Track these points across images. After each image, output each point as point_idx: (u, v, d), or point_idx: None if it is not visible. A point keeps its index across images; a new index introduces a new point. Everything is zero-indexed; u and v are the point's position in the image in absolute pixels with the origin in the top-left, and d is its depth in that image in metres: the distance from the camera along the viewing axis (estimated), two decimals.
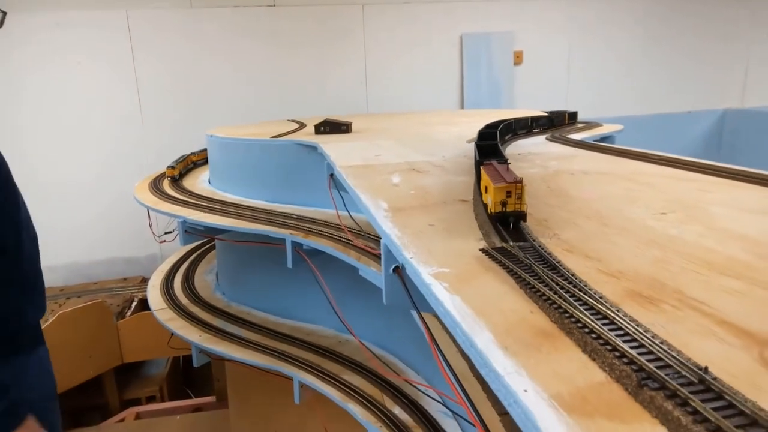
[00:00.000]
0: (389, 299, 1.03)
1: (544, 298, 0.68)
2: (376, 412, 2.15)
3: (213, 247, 3.85)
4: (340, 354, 2.55)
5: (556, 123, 2.95)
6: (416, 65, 5.18)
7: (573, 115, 3.30)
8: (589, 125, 3.19)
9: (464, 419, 1.54)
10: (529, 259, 0.78)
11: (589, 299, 0.65)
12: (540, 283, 0.71)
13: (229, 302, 3.13)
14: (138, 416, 3.97)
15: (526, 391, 0.50)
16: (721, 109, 6.02)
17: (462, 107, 5.30)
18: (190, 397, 4.36)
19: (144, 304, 4.40)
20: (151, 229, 3.26)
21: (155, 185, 3.33)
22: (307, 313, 2.85)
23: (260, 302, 3.01)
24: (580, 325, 0.60)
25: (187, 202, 2.82)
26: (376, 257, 1.95)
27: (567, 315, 0.62)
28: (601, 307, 0.63)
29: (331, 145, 2.38)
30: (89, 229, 4.83)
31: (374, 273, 1.90)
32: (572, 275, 0.73)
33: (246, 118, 4.70)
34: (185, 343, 2.88)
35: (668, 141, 5.67)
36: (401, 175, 1.55)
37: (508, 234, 0.89)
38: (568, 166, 1.56)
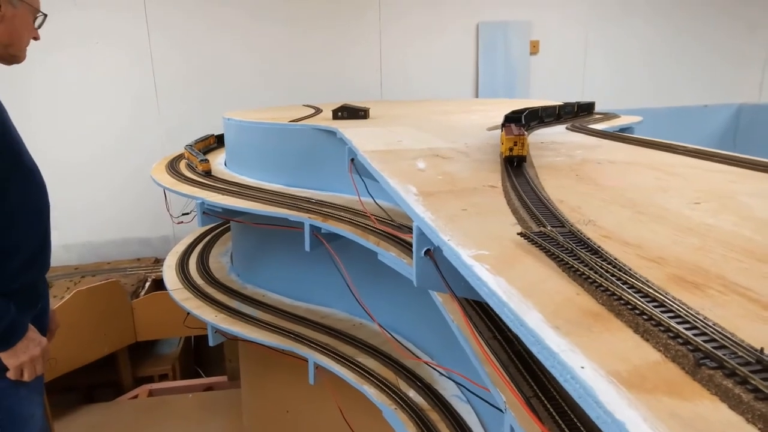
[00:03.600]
0: (420, 281, 1.04)
1: (590, 280, 0.69)
2: (391, 394, 2.18)
3: (227, 230, 3.88)
4: (355, 337, 2.58)
5: (578, 113, 2.95)
6: (431, 52, 5.16)
7: (591, 106, 3.29)
8: (607, 116, 3.18)
9: (487, 402, 1.56)
10: (569, 243, 0.79)
11: (636, 282, 0.66)
12: (584, 266, 0.72)
13: (244, 284, 3.16)
14: (151, 393, 4.03)
15: (583, 367, 0.52)
16: (737, 103, 5.97)
17: (476, 96, 5.28)
18: (202, 377, 4.42)
19: (158, 285, 4.44)
20: (168, 210, 3.28)
21: (172, 167, 3.35)
22: (322, 296, 2.88)
23: (275, 285, 3.04)
24: (630, 306, 0.61)
25: (205, 184, 2.84)
26: (399, 242, 1.96)
27: (615, 297, 0.64)
28: (648, 289, 0.64)
29: (350, 130, 2.39)
30: (103, 209, 4.87)
31: (394, 258, 1.91)
32: (615, 259, 0.74)
33: (259, 101, 4.71)
34: (200, 323, 2.91)
35: (684, 134, 5.61)
36: (426, 160, 1.56)
37: (545, 218, 0.90)
38: (594, 156, 1.57)
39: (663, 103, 5.74)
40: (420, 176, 1.35)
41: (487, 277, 0.70)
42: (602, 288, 0.66)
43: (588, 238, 0.82)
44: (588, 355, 0.54)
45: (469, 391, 1.81)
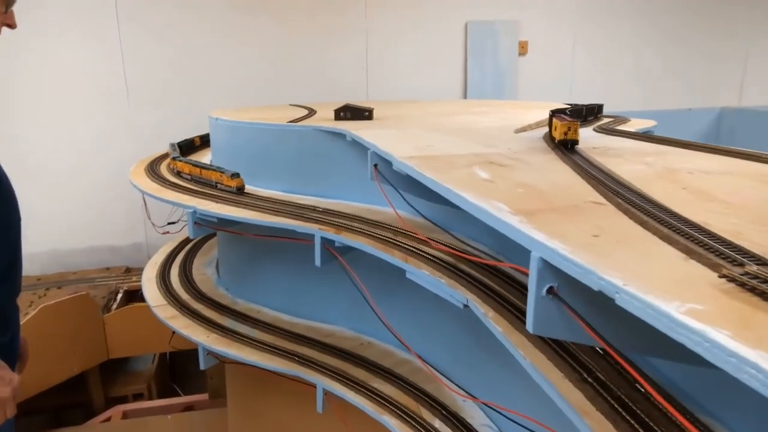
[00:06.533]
0: (539, 326, 0.84)
1: None
2: (415, 425, 1.98)
3: (209, 237, 3.60)
4: (366, 358, 2.37)
5: (596, 114, 2.82)
6: (419, 51, 4.97)
7: (601, 108, 3.17)
8: (618, 119, 3.05)
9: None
10: None
11: None
12: None
13: (234, 299, 2.90)
14: (125, 415, 3.71)
15: None
16: (718, 107, 6.00)
17: (465, 97, 5.12)
18: (180, 395, 4.12)
19: (130, 296, 4.12)
20: (149, 218, 2.99)
21: (153, 170, 3.06)
22: (325, 312, 2.65)
23: (271, 299, 2.80)
24: None
25: (196, 191, 2.57)
26: (431, 258, 1.76)
27: None
28: None
29: (365, 133, 2.17)
30: (68, 215, 4.50)
31: (427, 276, 1.71)
32: None
33: (238, 100, 4.43)
34: (181, 339, 2.65)
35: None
36: (483, 169, 1.36)
37: (725, 250, 0.71)
38: (671, 164, 1.39)
39: (648, 106, 5.71)
40: (494, 189, 1.15)
41: (737, 348, 0.50)
42: None
43: None
44: None
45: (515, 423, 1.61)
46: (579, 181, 1.21)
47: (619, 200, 1.00)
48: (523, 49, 5.18)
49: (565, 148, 1.66)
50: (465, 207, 1.05)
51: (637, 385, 1.15)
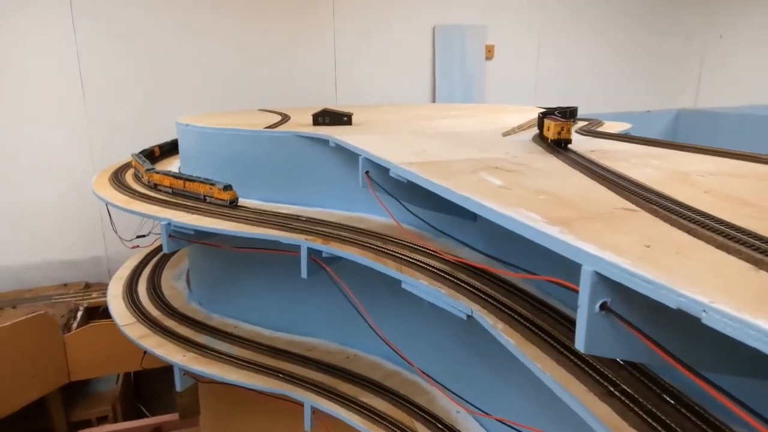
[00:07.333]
0: (592, 345, 0.78)
1: None
2: None
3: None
4: (353, 372, 2.28)
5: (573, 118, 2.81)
6: (388, 54, 4.92)
7: (575, 111, 3.18)
8: (593, 122, 3.07)
9: None
10: None
11: None
12: None
13: (209, 314, 2.76)
14: None
15: None
16: (675, 109, 6.18)
17: (433, 100, 5.09)
18: (147, 416, 3.92)
19: (91, 314, 3.91)
20: (115, 231, 2.82)
21: (117, 179, 2.89)
22: (306, 324, 2.55)
23: (248, 313, 2.68)
24: None
25: (170, 202, 2.43)
26: (433, 271, 1.69)
27: None
28: None
29: (350, 138, 2.09)
30: (22, 228, 4.23)
31: (425, 286, 1.64)
32: None
33: (201, 104, 4.27)
34: (154, 359, 2.50)
35: None
36: (491, 174, 1.30)
37: None
38: (676, 166, 1.37)
39: (610, 108, 5.82)
40: (513, 196, 1.09)
41: None
42: None
43: None
44: None
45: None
46: (596, 186, 1.17)
47: (652, 206, 0.95)
48: (489, 53, 5.20)
49: (559, 147, 1.72)
50: (490, 217, 0.99)
51: (665, 396, 1.11)
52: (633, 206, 0.98)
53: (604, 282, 0.74)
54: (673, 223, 0.87)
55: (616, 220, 0.91)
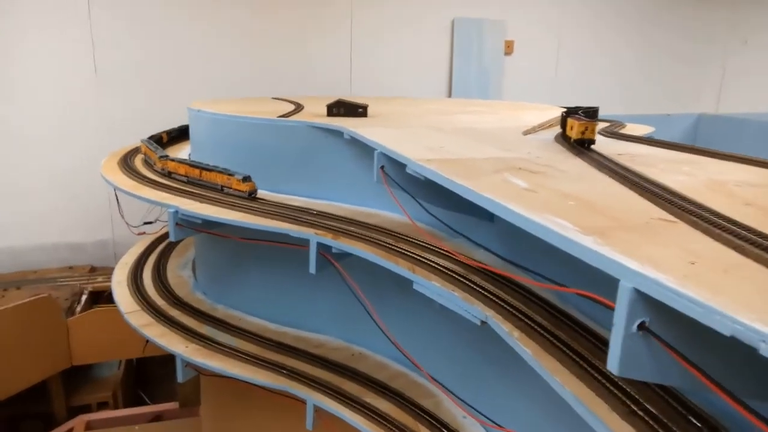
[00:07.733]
0: (627, 367, 0.71)
1: None
2: None
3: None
4: (358, 371, 2.22)
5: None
6: (405, 46, 4.83)
7: (596, 112, 3.09)
8: (615, 123, 2.98)
9: None
10: None
11: None
12: None
13: (214, 304, 2.71)
14: (88, 426, 3.47)
15: None
16: (696, 113, 6.05)
17: (449, 95, 5.01)
18: (147, 403, 3.89)
19: (96, 298, 3.88)
20: (122, 217, 2.77)
21: (127, 164, 2.84)
22: (312, 320, 2.49)
23: (253, 306, 2.62)
24: None
25: (177, 188, 2.37)
26: (447, 273, 1.63)
27: None
28: None
29: (365, 131, 2.02)
30: (28, 210, 4.20)
31: (438, 289, 1.58)
32: None
33: (213, 91, 4.21)
34: (157, 347, 2.45)
35: None
36: (515, 175, 1.23)
37: None
38: (714, 175, 1.29)
39: (628, 110, 5.70)
40: (540, 201, 1.02)
41: None
42: None
43: None
44: None
45: None
46: (628, 192, 1.10)
47: (692, 218, 0.88)
48: (509, 48, 5.10)
49: (582, 147, 1.70)
50: (517, 222, 0.92)
51: (691, 418, 1.05)
52: (671, 217, 0.91)
53: (644, 300, 0.68)
54: (716, 238, 0.79)
55: (654, 232, 0.84)
